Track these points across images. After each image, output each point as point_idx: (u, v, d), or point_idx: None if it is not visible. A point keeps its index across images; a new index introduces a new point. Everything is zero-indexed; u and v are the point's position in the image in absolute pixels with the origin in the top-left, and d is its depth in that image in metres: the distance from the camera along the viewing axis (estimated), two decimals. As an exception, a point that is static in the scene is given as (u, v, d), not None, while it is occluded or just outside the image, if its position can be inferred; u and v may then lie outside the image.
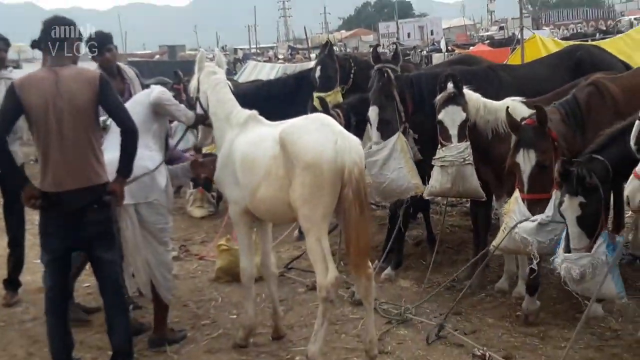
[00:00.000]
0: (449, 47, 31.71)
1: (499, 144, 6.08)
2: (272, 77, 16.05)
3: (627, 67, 7.58)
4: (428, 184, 6.46)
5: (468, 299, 6.26)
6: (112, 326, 4.89)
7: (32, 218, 7.58)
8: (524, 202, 5.41)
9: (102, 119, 5.00)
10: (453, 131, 6.10)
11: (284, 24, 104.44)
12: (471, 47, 31.50)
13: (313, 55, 28.24)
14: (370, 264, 5.06)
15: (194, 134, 8.35)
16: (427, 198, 6.77)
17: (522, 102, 6.11)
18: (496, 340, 5.48)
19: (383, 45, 40.08)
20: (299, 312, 6.27)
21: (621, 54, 8.96)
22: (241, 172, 5.29)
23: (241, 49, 56.87)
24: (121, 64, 6.62)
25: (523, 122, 5.54)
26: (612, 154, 4.94)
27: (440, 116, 6.15)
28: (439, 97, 6.17)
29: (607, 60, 7.65)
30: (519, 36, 14.72)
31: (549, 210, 5.23)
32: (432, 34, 57.17)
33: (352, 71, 8.76)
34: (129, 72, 6.51)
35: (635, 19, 43.59)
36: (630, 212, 6.14)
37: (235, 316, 6.27)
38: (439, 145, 6.22)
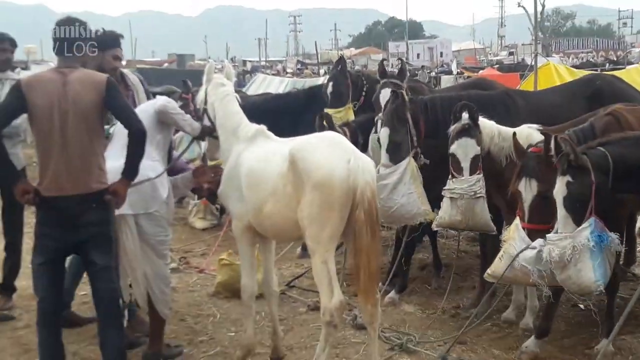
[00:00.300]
0: (458, 70, 31.67)
1: (513, 171, 5.92)
2: (280, 90, 15.94)
3: (644, 98, 7.44)
4: (438, 213, 6.30)
5: (474, 328, 6.07)
6: (104, 339, 4.73)
7: (31, 221, 7.46)
8: (524, 231, 5.25)
9: (105, 127, 4.88)
10: (465, 164, 5.94)
11: (294, 38, 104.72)
12: (480, 71, 31.45)
13: (322, 71, 28.26)
14: (378, 290, 4.91)
15: (199, 145, 8.25)
16: (435, 229, 6.60)
17: (539, 129, 5.96)
18: (502, 373, 5.30)
19: (392, 64, 40.07)
20: (300, 333, 6.10)
21: (635, 85, 8.82)
22: (247, 188, 5.14)
23: (250, 61, 56.92)
24: (125, 71, 6.48)
25: (529, 150, 5.40)
26: (617, 150, 4.84)
27: (452, 148, 5.99)
28: (452, 127, 6.01)
29: (626, 90, 7.50)
30: (532, 62, 14.62)
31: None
32: (441, 55, 57.25)
33: (365, 88, 8.64)
34: (133, 78, 6.39)
35: (645, 50, 43.63)
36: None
37: (233, 333, 6.10)
38: (450, 176, 6.06)
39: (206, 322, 6.42)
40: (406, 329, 6.11)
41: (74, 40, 4.67)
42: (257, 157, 5.16)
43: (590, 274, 4.72)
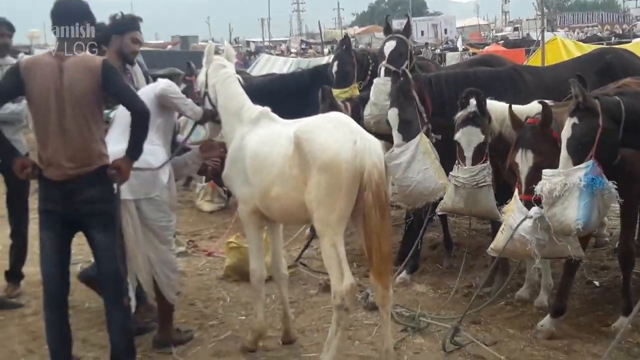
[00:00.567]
0: (463, 46, 31.42)
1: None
2: (284, 71, 15.82)
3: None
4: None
5: (487, 307, 5.99)
6: (109, 321, 4.68)
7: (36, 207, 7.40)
8: (521, 202, 5.15)
9: (105, 112, 4.81)
10: (468, 153, 5.80)
11: (297, 18, 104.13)
12: (485, 47, 31.20)
13: (326, 50, 28.07)
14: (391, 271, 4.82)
15: (205, 127, 8.15)
16: (439, 214, 6.49)
17: (550, 105, 5.83)
18: (518, 352, 5.21)
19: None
20: (311, 316, 6.03)
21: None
22: (252, 171, 5.05)
23: (254, 41, 56.60)
24: None
25: (526, 121, 5.29)
26: (633, 101, 4.79)
27: (457, 136, 5.86)
28: (458, 114, 5.87)
29: (637, 64, 7.34)
30: (538, 37, 14.45)
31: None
32: (445, 32, 56.93)
33: (370, 67, 8.50)
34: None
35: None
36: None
37: (244, 317, 6.02)
38: (456, 162, 5.94)
39: (216, 305, 6.35)
40: (418, 309, 6.02)
41: (74, 40, 4.56)
42: (262, 139, 5.06)
43: (573, 212, 4.65)
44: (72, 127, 4.42)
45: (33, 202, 6.60)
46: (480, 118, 5.76)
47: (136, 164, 4.68)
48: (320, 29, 32.97)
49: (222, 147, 5.61)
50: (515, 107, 5.79)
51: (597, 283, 6.49)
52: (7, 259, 6.77)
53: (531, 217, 4.97)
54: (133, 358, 4.79)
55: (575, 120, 4.73)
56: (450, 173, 5.99)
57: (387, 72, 7.15)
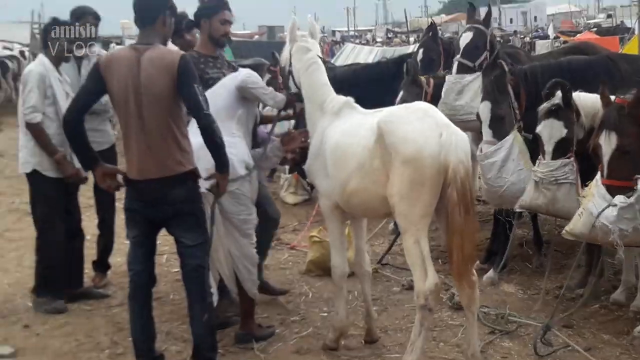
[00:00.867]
0: (555, 34, 30.52)
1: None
2: (369, 60, 15.60)
3: None
4: None
5: (580, 310, 5.73)
6: (191, 315, 4.68)
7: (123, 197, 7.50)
8: (603, 187, 4.88)
9: None
10: (548, 147, 5.56)
11: (383, 6, 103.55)
12: (578, 35, 30.24)
13: (412, 39, 27.68)
14: (474, 272, 4.63)
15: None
16: (518, 210, 6.23)
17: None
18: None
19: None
20: (394, 314, 5.88)
21: None
22: (332, 164, 4.91)
23: (339, 31, 56.47)
24: None
25: (614, 100, 4.99)
26: None
27: (538, 128, 5.62)
28: (542, 106, 5.63)
29: None
30: (634, 25, 13.85)
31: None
32: (535, 20, 55.45)
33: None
34: None
35: None
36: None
37: (326, 314, 5.93)
38: (539, 157, 5.71)
39: (298, 301, 6.27)
40: (506, 310, 5.77)
41: (149, 10, 4.53)
42: (343, 131, 4.91)
43: None
44: (152, 124, 4.38)
45: (120, 192, 6.71)
46: (564, 111, 5.50)
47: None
48: (406, 17, 32.52)
49: (304, 136, 5.50)
50: (590, 95, 5.51)
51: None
52: (95, 248, 6.86)
53: (615, 206, 4.71)
54: (215, 353, 4.77)
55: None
56: (532, 169, 5.76)
57: (461, 68, 6.96)
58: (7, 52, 26.71)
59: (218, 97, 5.12)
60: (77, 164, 5.86)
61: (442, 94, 7.00)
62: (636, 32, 13.70)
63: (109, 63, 4.46)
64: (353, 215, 5.22)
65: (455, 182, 4.35)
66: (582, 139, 5.51)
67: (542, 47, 24.37)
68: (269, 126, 6.01)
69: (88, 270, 6.75)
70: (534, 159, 5.86)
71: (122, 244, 7.18)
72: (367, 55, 17.94)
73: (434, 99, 7.05)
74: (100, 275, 6.74)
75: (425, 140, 4.41)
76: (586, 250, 6.17)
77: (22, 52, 25.16)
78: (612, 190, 4.80)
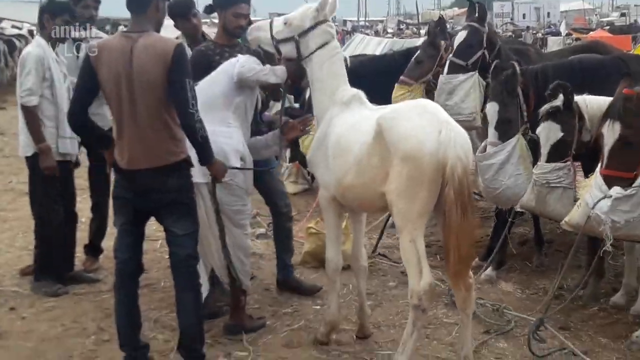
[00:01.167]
0: (567, 31, 30.30)
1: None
2: (378, 52, 15.43)
3: None
4: None
5: (578, 312, 5.63)
6: (179, 304, 4.59)
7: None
8: (602, 177, 4.79)
9: None
10: (544, 150, 5.49)
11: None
12: (590, 32, 30.02)
13: (422, 32, 27.51)
14: (471, 274, 4.49)
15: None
16: (517, 210, 6.10)
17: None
18: (611, 364, 4.83)
19: (496, 25, 38.68)
20: (388, 310, 5.75)
21: None
22: (333, 156, 4.79)
23: (350, 20, 56.27)
24: (207, 31, 6.23)
25: (622, 90, 4.86)
26: None
27: (538, 130, 5.55)
28: (542, 107, 5.53)
29: None
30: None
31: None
32: (548, 16, 55.14)
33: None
34: None
35: None
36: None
37: (318, 307, 5.80)
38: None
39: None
40: (500, 304, 5.69)
41: (145, 18, 4.41)
42: (348, 124, 4.77)
43: None
44: (145, 113, 4.27)
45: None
46: (564, 114, 5.39)
47: (217, 156, 4.58)
48: (417, 9, 32.41)
49: (304, 124, 5.38)
50: (598, 98, 5.39)
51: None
52: (87, 231, 6.77)
53: (610, 197, 4.62)
54: (202, 344, 4.66)
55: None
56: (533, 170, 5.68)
57: (452, 67, 6.86)
58: (16, 31, 26.70)
59: (216, 84, 5.01)
60: (60, 157, 5.94)
61: (435, 94, 6.95)
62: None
63: (99, 53, 4.33)
64: (350, 208, 5.11)
65: (452, 180, 4.20)
66: (589, 142, 5.40)
67: (554, 43, 24.14)
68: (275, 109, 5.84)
69: (80, 254, 6.67)
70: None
71: (114, 228, 7.10)
72: (375, 46, 17.76)
73: None
74: (92, 259, 6.65)
75: (424, 137, 4.27)
76: (588, 251, 6.05)
77: (31, 32, 25.10)
78: (610, 181, 4.71)
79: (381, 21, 57.22)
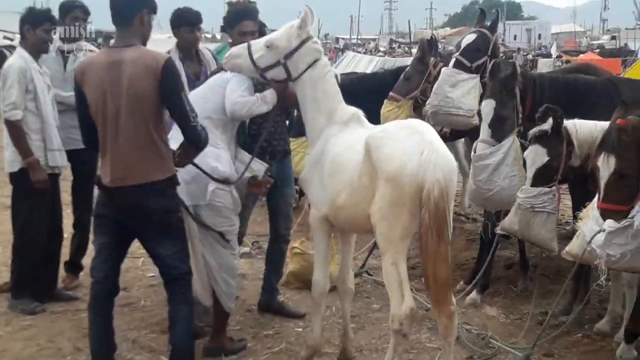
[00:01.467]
0: (558, 53, 30.50)
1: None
2: (369, 69, 15.47)
3: None
4: None
5: (563, 339, 5.56)
6: (173, 318, 4.47)
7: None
8: (599, 211, 4.74)
9: None
10: (529, 173, 5.45)
11: (388, 16, 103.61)
12: (580, 55, 30.23)
13: (414, 50, 27.61)
14: (453, 299, 4.40)
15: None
16: (499, 232, 6.05)
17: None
18: (593, 393, 4.77)
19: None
20: (371, 333, 5.68)
21: None
22: (328, 175, 4.71)
23: (343, 38, 56.42)
24: (200, 46, 6.20)
25: (615, 121, 4.79)
26: None
27: (525, 153, 5.52)
28: (531, 130, 5.50)
29: None
30: (638, 48, 13.69)
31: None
32: (539, 37, 55.51)
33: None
34: (207, 54, 6.10)
35: None
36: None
37: (301, 329, 5.74)
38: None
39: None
40: (488, 333, 5.62)
41: (125, 8, 4.33)
42: (345, 144, 4.69)
43: None
44: (130, 131, 4.19)
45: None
46: (551, 139, 5.34)
47: (210, 172, 4.64)
48: (409, 28, 32.48)
49: (269, 184, 5.30)
50: (588, 122, 5.35)
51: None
52: (68, 247, 6.66)
53: (604, 231, 4.57)
54: (191, 358, 4.57)
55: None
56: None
57: (457, 65, 6.82)
58: (7, 42, 26.56)
59: (204, 100, 4.92)
60: (49, 170, 5.87)
61: (436, 84, 6.88)
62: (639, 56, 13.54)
63: (84, 72, 4.30)
64: (341, 229, 5.03)
65: (428, 204, 4.11)
66: (578, 167, 5.37)
67: (544, 65, 24.33)
68: None
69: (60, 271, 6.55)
70: None
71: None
72: (367, 64, 17.82)
73: None
74: (72, 277, 6.56)
75: (407, 159, 4.21)
76: (573, 276, 6.00)
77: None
78: (607, 214, 4.65)
79: (373, 39, 57.48)
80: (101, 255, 4.45)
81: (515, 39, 56.51)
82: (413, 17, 36.37)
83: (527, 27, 62.19)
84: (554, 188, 5.39)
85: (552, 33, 62.13)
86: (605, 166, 4.70)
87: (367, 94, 8.11)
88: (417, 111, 7.43)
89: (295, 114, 6.80)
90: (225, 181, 4.86)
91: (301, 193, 9.69)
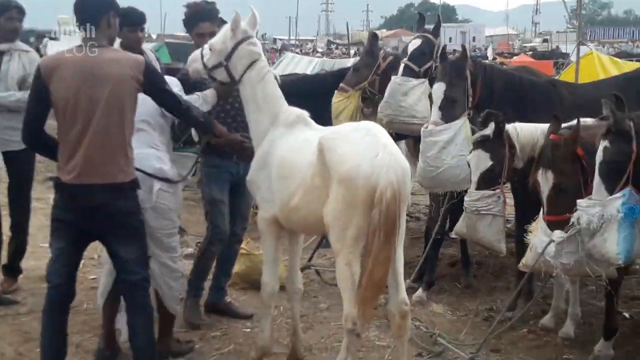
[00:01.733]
0: (493, 56, 31.06)
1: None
2: (309, 70, 15.43)
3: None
4: None
5: (508, 334, 5.62)
6: (132, 328, 4.40)
7: (48, 197, 7.07)
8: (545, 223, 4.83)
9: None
10: (474, 177, 5.50)
11: (325, 18, 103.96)
12: (514, 57, 30.83)
13: (352, 52, 27.71)
14: (408, 300, 4.41)
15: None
16: (452, 236, 6.11)
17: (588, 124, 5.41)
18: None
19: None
20: (320, 332, 5.66)
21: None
22: (276, 178, 4.66)
23: (280, 39, 56.34)
24: (145, 47, 6.09)
25: (549, 137, 4.90)
26: None
27: (468, 157, 5.58)
28: (474, 136, 5.59)
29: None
30: (570, 51, 13.99)
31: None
32: (474, 40, 56.42)
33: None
34: (150, 55, 5.99)
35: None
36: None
37: (249, 329, 5.68)
38: None
39: (220, 315, 5.98)
40: (435, 331, 5.64)
41: (91, 10, 4.28)
42: (292, 145, 4.66)
43: (613, 245, 4.31)
44: (103, 130, 4.11)
45: (45, 192, 6.34)
46: (493, 143, 5.40)
47: (156, 174, 4.64)
48: (347, 30, 32.55)
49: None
50: (529, 125, 5.43)
51: (627, 315, 6.06)
52: (5, 250, 6.42)
53: (554, 242, 4.64)
54: None
55: (606, 143, 4.38)
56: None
57: (406, 71, 6.87)
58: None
59: (144, 103, 4.81)
60: None
61: (386, 93, 6.90)
62: (572, 58, 13.80)
63: (53, 68, 4.16)
64: (291, 230, 4.99)
65: (379, 205, 4.09)
66: (522, 169, 5.45)
67: (480, 67, 24.60)
68: None
69: (-1, 274, 6.36)
70: None
71: (36, 246, 6.81)
72: (306, 65, 17.74)
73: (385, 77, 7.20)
74: (10, 280, 6.35)
75: (360, 161, 4.18)
76: (517, 272, 6.08)
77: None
78: (553, 226, 4.72)
79: (311, 40, 57.57)
80: (59, 261, 4.31)
81: (450, 41, 57.01)
82: (349, 19, 36.44)
83: (462, 29, 62.99)
84: (498, 191, 5.44)
85: (486, 36, 63.25)
86: (545, 181, 4.80)
87: (309, 95, 8.10)
88: (366, 102, 7.54)
89: None
90: (170, 180, 4.79)
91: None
